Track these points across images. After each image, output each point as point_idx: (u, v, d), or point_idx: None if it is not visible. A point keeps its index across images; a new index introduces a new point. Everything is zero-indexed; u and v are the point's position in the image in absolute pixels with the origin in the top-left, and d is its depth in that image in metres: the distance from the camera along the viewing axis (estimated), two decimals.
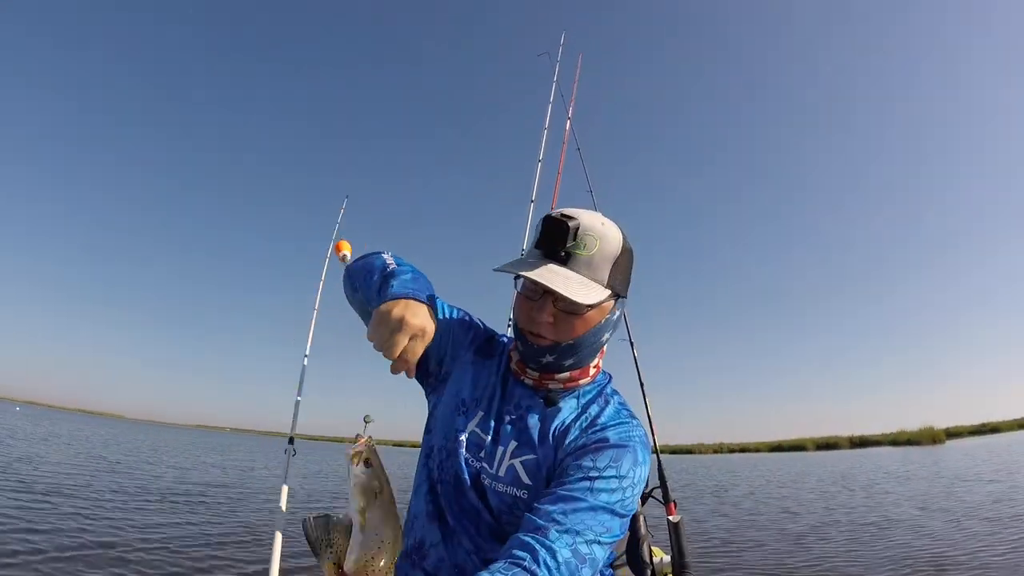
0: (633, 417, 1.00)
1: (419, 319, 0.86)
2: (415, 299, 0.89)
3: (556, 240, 0.90)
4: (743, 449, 53.99)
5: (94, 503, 7.34)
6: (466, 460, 0.97)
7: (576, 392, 1.02)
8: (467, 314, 1.16)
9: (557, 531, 0.78)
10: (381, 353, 0.84)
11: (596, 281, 0.91)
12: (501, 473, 0.94)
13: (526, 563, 0.74)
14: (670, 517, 2.43)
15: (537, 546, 0.76)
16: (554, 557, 0.76)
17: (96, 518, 6.36)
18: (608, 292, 0.92)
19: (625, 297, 1.00)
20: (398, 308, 0.85)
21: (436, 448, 1.03)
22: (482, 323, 1.18)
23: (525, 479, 0.92)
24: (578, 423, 0.97)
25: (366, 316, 1.07)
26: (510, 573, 0.73)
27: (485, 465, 0.96)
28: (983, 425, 41.80)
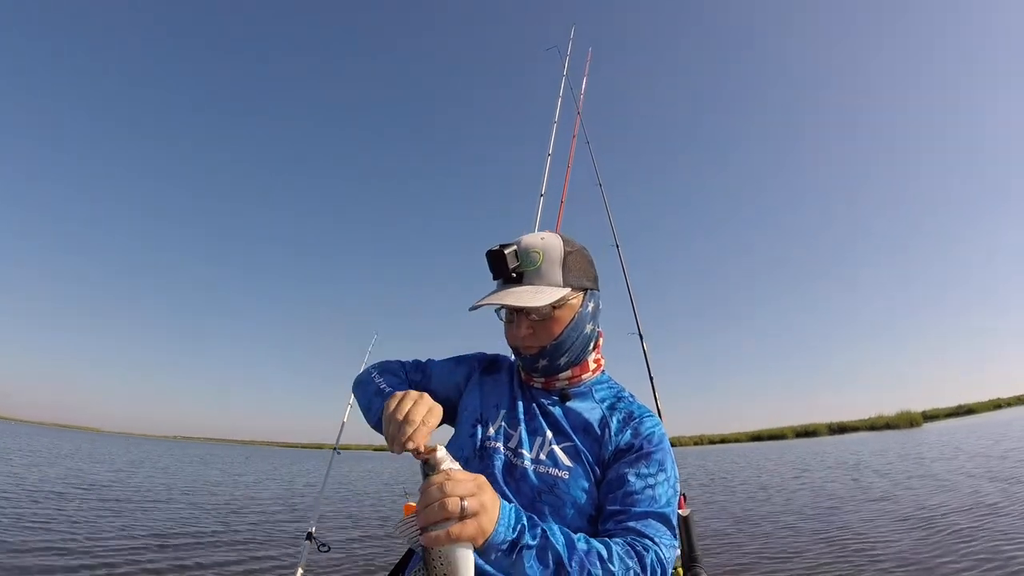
0: (651, 410, 1.15)
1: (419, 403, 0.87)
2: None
3: (503, 268, 1.06)
4: (723, 440, 55.21)
5: (90, 522, 7.17)
6: (495, 452, 1.07)
7: (585, 388, 1.17)
8: (461, 356, 1.34)
9: (648, 539, 0.92)
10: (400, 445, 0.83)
11: (550, 285, 1.06)
12: (543, 457, 1.04)
13: (639, 548, 0.89)
14: (680, 511, 2.51)
15: (641, 543, 0.90)
16: (658, 554, 0.90)
17: (96, 538, 6.22)
18: (566, 289, 1.06)
19: (595, 289, 1.15)
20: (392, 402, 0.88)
21: (463, 459, 1.10)
22: (482, 353, 1.35)
23: (566, 462, 1.03)
24: (615, 417, 1.09)
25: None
26: (626, 549, 0.87)
27: (523, 451, 1.06)
28: (959, 407, 43.53)
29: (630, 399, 1.16)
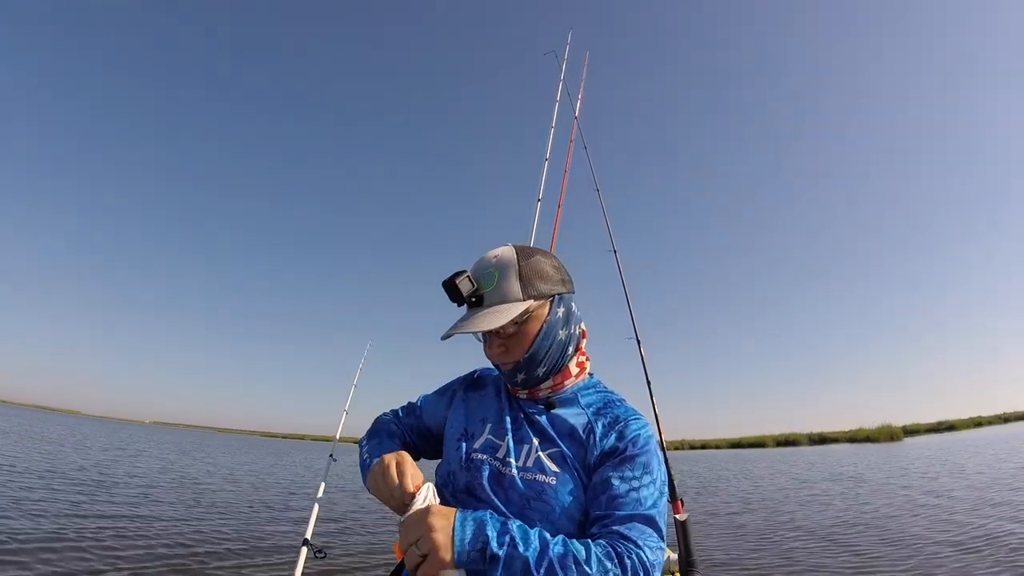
0: (640, 413, 1.15)
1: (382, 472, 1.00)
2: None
3: (459, 296, 1.09)
4: (704, 446, 55.79)
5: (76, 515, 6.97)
6: (481, 463, 1.09)
7: (571, 394, 1.18)
8: (444, 385, 1.38)
9: (631, 542, 0.91)
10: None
11: (511, 301, 1.07)
12: (530, 464, 1.06)
13: (619, 549, 0.88)
14: (677, 516, 2.54)
15: (623, 546, 0.90)
16: (641, 557, 0.89)
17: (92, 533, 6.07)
18: (528, 302, 1.08)
19: (564, 293, 1.16)
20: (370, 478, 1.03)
21: (447, 473, 1.15)
22: (468, 374, 1.39)
23: (553, 468, 1.04)
24: (600, 421, 1.10)
25: None
26: (607, 551, 0.88)
27: (511, 460, 1.07)
28: (940, 423, 44.48)
29: (618, 403, 1.16)
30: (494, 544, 0.82)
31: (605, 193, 3.67)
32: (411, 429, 1.33)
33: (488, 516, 0.87)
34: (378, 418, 1.38)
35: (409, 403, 1.39)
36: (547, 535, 0.87)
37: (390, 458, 0.99)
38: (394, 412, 1.39)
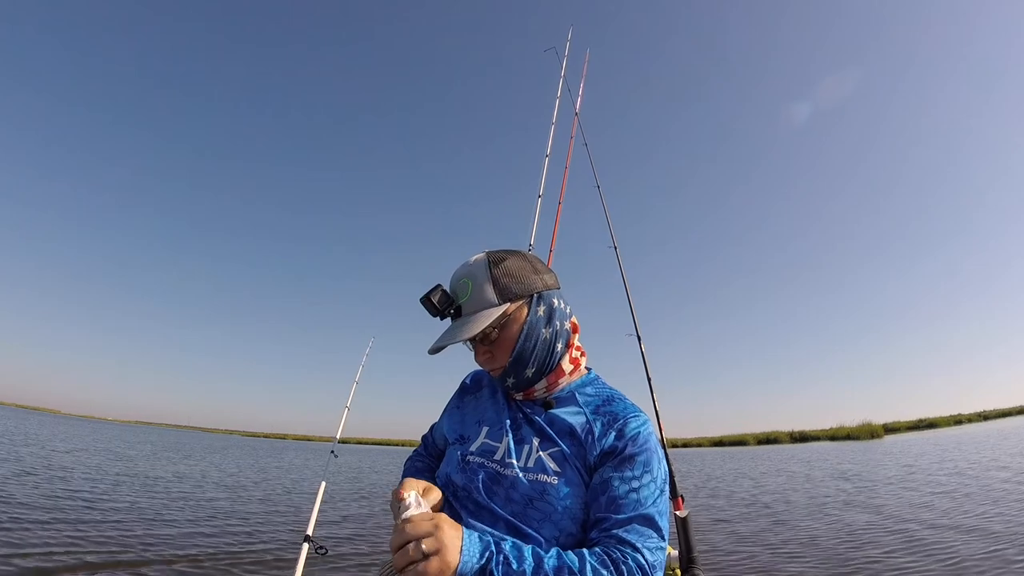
0: (640, 409, 1.15)
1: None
2: None
3: (440, 310, 1.11)
4: (686, 444, 56.44)
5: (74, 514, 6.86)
6: (477, 467, 1.10)
7: (568, 393, 1.18)
8: (447, 404, 1.39)
9: (629, 546, 0.92)
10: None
11: (487, 307, 1.08)
12: (530, 464, 1.05)
13: (615, 555, 0.89)
14: (677, 512, 2.57)
15: (619, 551, 0.91)
16: (638, 561, 0.90)
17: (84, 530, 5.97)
18: (504, 306, 1.09)
19: (544, 291, 1.15)
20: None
21: (445, 476, 1.15)
22: (458, 386, 1.40)
23: (554, 467, 1.04)
24: (599, 420, 1.10)
25: None
26: (602, 559, 0.88)
27: (512, 460, 1.07)
28: (920, 421, 45.41)
29: (617, 400, 1.15)
30: (494, 562, 0.83)
31: (605, 190, 3.71)
32: (433, 456, 1.36)
33: (489, 535, 0.88)
34: (410, 454, 1.42)
35: (423, 436, 1.43)
36: (540, 551, 0.88)
37: (414, 484, 1.02)
38: (416, 450, 1.42)
